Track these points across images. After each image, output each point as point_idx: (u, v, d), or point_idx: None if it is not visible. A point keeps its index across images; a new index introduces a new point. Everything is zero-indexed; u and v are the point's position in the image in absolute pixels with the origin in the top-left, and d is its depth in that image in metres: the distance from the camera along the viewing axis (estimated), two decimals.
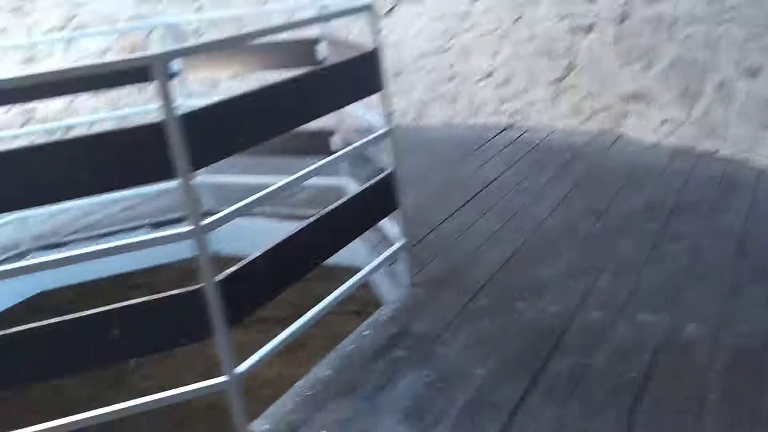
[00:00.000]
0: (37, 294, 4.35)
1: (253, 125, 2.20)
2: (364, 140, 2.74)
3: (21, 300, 4.28)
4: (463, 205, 3.92)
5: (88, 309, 1.95)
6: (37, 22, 5.92)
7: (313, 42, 3.88)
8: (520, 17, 5.20)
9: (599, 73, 4.81)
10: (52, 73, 1.85)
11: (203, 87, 5.90)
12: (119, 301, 1.97)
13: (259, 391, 2.79)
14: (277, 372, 3.50)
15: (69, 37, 5.59)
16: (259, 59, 4.12)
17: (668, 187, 3.75)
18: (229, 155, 2.14)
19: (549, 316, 2.60)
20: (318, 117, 2.46)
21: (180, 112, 1.93)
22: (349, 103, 2.70)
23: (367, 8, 2.67)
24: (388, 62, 3.61)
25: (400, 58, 5.78)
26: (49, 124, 5.23)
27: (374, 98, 2.76)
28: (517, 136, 5.16)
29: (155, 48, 6.14)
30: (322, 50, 3.81)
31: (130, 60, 1.91)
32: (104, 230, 4.45)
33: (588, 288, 2.78)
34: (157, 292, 2.00)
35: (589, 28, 4.76)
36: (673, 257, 2.95)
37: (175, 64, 4.30)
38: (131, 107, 5.48)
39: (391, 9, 5.87)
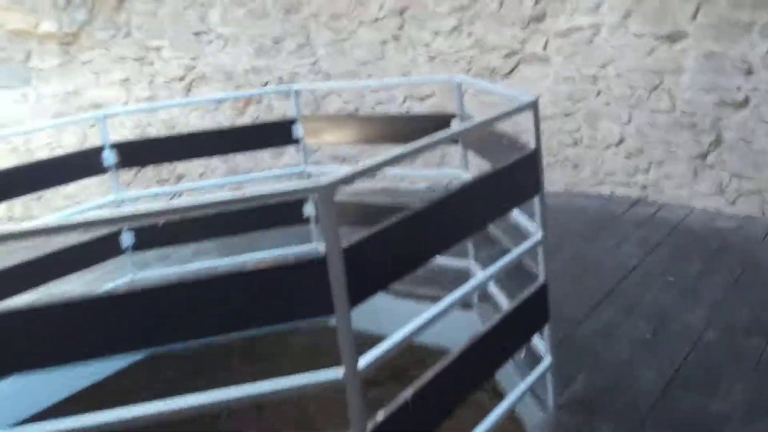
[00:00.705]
0: (146, 359, 4.26)
1: (414, 248, 1.97)
2: (518, 250, 2.46)
3: (125, 366, 4.17)
4: (602, 299, 3.57)
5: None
6: (158, 72, 6.00)
7: (449, 118, 3.67)
8: (658, 85, 4.82)
9: (750, 153, 4.35)
10: (206, 204, 1.67)
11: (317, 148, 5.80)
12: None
13: None
14: None
15: (187, 102, 5.62)
16: (389, 131, 3.94)
17: None
18: (390, 284, 1.91)
19: None
20: (480, 228, 2.21)
21: (343, 245, 1.71)
22: (508, 210, 2.44)
23: (531, 106, 2.41)
24: (506, 124, 3.33)
25: (519, 119, 5.48)
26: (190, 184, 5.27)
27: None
28: (652, 212, 4.75)
29: (275, 105, 6.07)
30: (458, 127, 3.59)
31: (292, 191, 1.71)
32: None
33: None
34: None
35: (742, 103, 4.32)
36: None
37: (299, 130, 4.19)
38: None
39: (513, 69, 5.61)
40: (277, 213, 4.26)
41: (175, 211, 1.77)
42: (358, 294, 1.78)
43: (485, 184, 2.23)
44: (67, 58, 5.78)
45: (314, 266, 1.70)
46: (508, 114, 2.33)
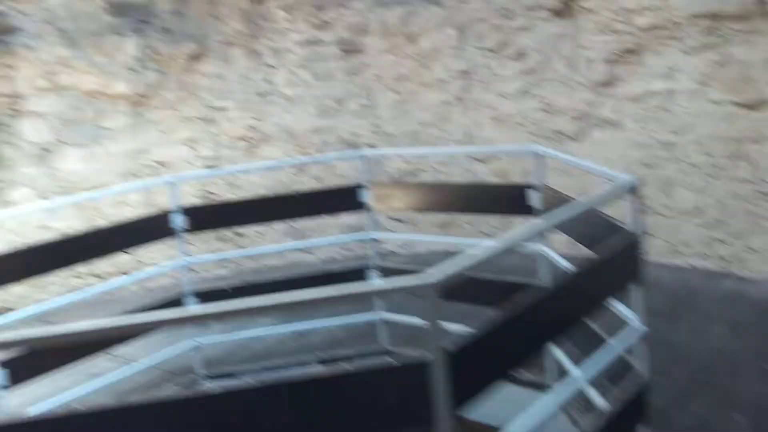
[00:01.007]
0: None
1: (519, 346, 1.81)
2: (618, 346, 2.27)
3: None
4: (693, 388, 3.31)
5: None
6: (223, 132, 6.04)
7: (523, 189, 3.54)
8: (739, 153, 4.60)
9: None
10: (292, 303, 1.56)
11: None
12: None
13: None
14: None
15: (258, 167, 5.58)
16: (460, 200, 3.82)
17: None
18: (492, 387, 1.75)
19: None
20: (582, 319, 2.05)
21: (448, 347, 1.57)
22: (608, 299, 2.26)
23: (631, 190, 2.26)
24: (570, 191, 3.19)
25: (584, 185, 5.31)
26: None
27: None
28: (736, 288, 4.47)
29: (336, 164, 5.99)
30: (535, 198, 3.45)
31: (400, 288, 1.58)
32: (271, 363, 4.22)
33: None
34: None
35: None
36: None
37: (365, 195, 4.10)
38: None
39: (581, 133, 5.46)
40: (342, 281, 4.15)
41: (250, 310, 1.67)
42: (460, 400, 1.63)
43: (590, 273, 2.07)
44: (137, 117, 5.87)
45: (413, 371, 1.56)
46: (607, 198, 2.18)
